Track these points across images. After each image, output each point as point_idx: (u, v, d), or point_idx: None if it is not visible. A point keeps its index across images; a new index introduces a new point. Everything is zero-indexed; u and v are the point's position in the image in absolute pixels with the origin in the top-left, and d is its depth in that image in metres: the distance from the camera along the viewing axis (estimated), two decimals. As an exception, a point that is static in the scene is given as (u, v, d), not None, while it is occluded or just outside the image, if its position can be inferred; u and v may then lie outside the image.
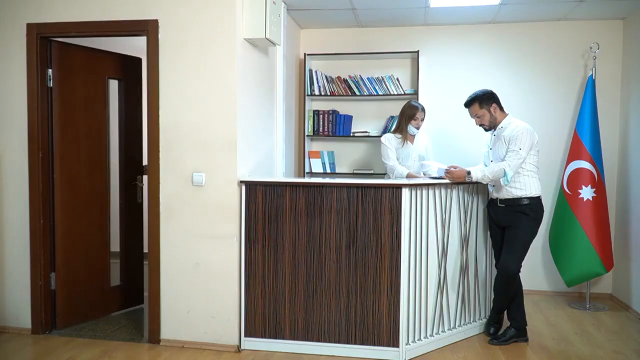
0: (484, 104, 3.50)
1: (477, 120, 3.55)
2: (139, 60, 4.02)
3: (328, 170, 4.95)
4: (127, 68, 3.97)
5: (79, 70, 3.67)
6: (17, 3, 3.51)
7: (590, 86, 4.34)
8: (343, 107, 5.00)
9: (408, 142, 4.04)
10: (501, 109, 3.54)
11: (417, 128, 4.02)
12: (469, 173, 3.43)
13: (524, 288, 3.61)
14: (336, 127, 4.90)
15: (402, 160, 4.03)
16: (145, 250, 3.61)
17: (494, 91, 3.56)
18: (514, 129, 3.41)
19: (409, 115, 4.00)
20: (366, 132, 4.92)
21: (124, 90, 3.96)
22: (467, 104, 3.57)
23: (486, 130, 3.59)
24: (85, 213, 3.72)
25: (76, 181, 3.66)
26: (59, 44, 3.58)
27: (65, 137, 3.62)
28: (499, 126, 3.52)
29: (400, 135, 4.04)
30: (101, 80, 3.80)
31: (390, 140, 4.03)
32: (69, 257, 3.66)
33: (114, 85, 3.96)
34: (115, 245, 4.02)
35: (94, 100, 3.77)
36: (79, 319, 3.72)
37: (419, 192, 3.31)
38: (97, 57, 3.78)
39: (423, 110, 4.03)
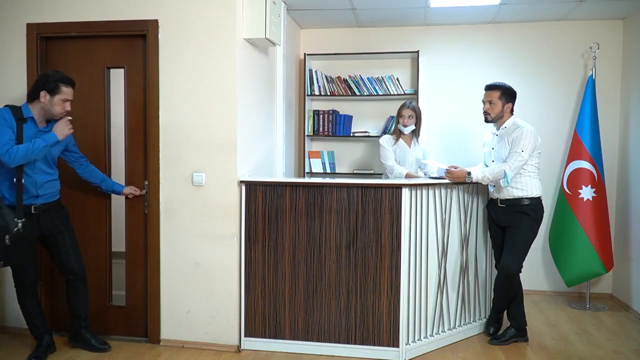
0: (504, 97, 3.48)
1: (486, 105, 3.51)
2: (144, 36, 3.42)
3: (328, 170, 4.95)
4: (132, 52, 3.47)
5: (71, 64, 3.50)
6: (17, 3, 3.51)
7: (590, 86, 4.34)
8: (343, 107, 5.00)
9: (405, 144, 4.03)
10: (512, 111, 3.53)
11: (405, 126, 3.98)
12: (469, 173, 3.43)
13: (524, 288, 3.61)
14: (336, 127, 4.90)
15: (398, 163, 4.03)
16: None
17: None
18: (517, 131, 3.40)
19: (397, 114, 4.03)
20: (366, 132, 4.92)
21: (128, 79, 3.50)
22: (490, 87, 3.52)
23: (487, 121, 3.56)
24: (81, 220, 3.53)
25: (71, 182, 3.50)
26: (47, 40, 3.52)
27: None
28: (503, 126, 3.51)
29: (395, 136, 4.05)
30: (98, 72, 3.48)
31: (387, 141, 4.04)
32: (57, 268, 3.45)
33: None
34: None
35: (89, 94, 3.50)
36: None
37: (419, 192, 3.31)
38: (91, 46, 3.49)
39: (410, 107, 3.97)
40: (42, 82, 2.94)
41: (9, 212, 2.85)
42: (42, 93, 2.93)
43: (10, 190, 2.97)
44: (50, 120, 3.04)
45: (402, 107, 4.00)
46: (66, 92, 2.97)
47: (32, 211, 3.01)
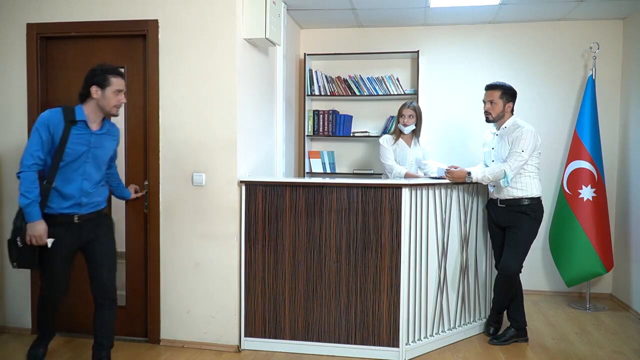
0: (504, 96, 3.48)
1: (487, 105, 3.50)
2: (144, 36, 3.43)
3: (328, 170, 4.95)
4: (132, 52, 3.49)
5: (71, 64, 3.53)
6: (17, 3, 3.51)
7: (590, 86, 4.34)
8: (343, 107, 5.00)
9: (404, 143, 4.03)
10: (512, 111, 3.53)
11: (405, 125, 3.98)
12: (469, 173, 3.43)
13: (524, 288, 3.61)
14: (336, 127, 4.90)
15: (398, 162, 4.02)
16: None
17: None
18: (517, 131, 3.40)
19: (398, 114, 4.02)
20: (366, 132, 4.92)
21: (128, 78, 3.48)
22: (490, 87, 3.52)
23: (488, 121, 3.55)
24: None
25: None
26: (47, 40, 3.53)
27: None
28: (503, 126, 3.51)
29: (394, 136, 4.05)
30: None
31: (387, 141, 4.04)
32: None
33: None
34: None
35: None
36: (74, 328, 3.60)
37: (419, 192, 3.31)
38: (91, 46, 3.50)
39: (410, 107, 3.95)
40: (90, 77, 2.73)
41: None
42: (93, 89, 2.71)
43: (56, 197, 2.72)
44: (105, 118, 2.84)
45: (402, 106, 4.00)
46: (116, 82, 2.74)
47: (75, 220, 2.75)
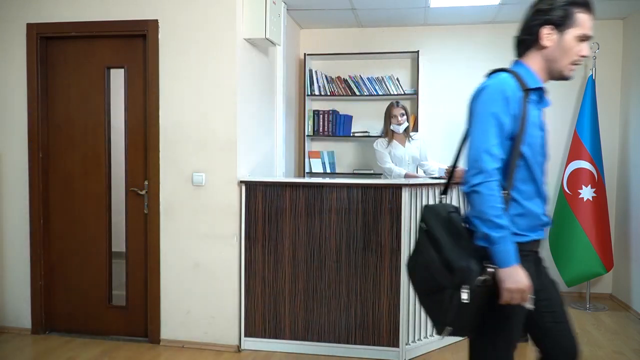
0: None
1: None
2: (144, 36, 3.42)
3: (328, 170, 4.95)
4: (132, 52, 3.47)
5: (71, 64, 3.55)
6: (17, 3, 3.51)
7: (590, 86, 4.34)
8: (343, 107, 5.00)
9: (398, 144, 4.03)
10: None
11: (399, 124, 3.98)
12: (469, 173, 3.42)
13: (524, 288, 3.61)
14: (336, 127, 4.90)
15: (395, 164, 4.02)
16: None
17: None
18: None
19: (388, 115, 4.04)
20: (366, 132, 4.92)
21: (128, 79, 3.50)
22: None
23: None
24: (81, 220, 3.59)
25: (70, 182, 3.58)
26: (47, 40, 3.54)
27: (57, 136, 3.58)
28: None
29: (388, 138, 4.05)
30: (98, 72, 3.50)
31: (381, 145, 4.05)
32: (57, 268, 3.61)
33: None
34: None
35: (89, 94, 3.53)
36: (74, 329, 3.62)
37: (419, 192, 3.31)
38: (91, 46, 3.51)
39: (399, 106, 3.99)
40: (542, 11, 1.67)
41: (476, 250, 1.67)
42: (545, 31, 1.67)
43: (522, 215, 1.73)
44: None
45: (391, 107, 4.01)
46: (585, 22, 1.66)
47: (537, 251, 1.79)
